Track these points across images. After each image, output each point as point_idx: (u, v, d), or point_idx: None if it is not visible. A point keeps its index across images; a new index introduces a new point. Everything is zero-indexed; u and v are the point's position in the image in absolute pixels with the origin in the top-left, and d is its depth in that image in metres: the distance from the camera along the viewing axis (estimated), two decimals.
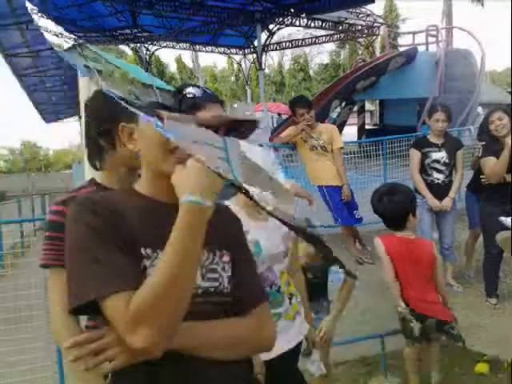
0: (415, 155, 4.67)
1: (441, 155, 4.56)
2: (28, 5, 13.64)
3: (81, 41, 24.27)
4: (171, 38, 20.30)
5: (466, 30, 14.31)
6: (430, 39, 14.67)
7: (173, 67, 47.60)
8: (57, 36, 20.86)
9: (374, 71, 13.73)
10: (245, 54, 22.06)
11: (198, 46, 23.73)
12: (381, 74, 13.85)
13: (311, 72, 38.87)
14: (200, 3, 15.73)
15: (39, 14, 18.48)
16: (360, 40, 20.10)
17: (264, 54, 18.91)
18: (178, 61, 44.35)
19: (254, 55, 19.96)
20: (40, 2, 14.78)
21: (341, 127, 14.16)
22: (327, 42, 20.83)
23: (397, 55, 14.11)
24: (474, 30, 14.73)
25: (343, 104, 14.87)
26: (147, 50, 23.06)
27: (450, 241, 4.71)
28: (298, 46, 20.48)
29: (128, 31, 19.50)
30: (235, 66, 29.15)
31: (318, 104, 13.22)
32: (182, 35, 19.86)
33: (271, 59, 37.60)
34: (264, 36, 18.04)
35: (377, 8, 48.39)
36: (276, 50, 20.80)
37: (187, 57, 47.01)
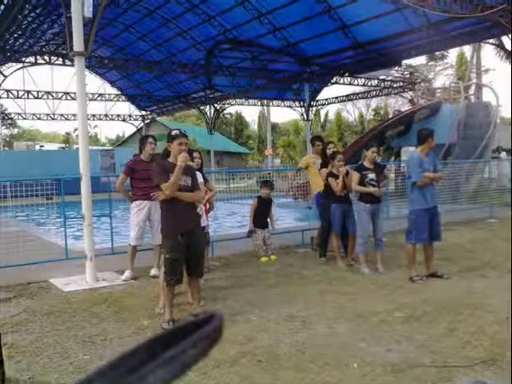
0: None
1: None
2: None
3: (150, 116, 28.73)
4: (242, 95, 23.59)
5: (486, 85, 16.33)
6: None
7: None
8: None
9: (400, 122, 16.15)
10: (310, 106, 24.34)
11: (266, 101, 26.78)
12: (409, 124, 16.15)
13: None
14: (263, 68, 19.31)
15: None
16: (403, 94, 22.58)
17: (313, 107, 21.75)
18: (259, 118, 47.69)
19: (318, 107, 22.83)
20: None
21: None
22: (375, 96, 23.51)
23: (422, 108, 16.44)
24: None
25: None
26: (216, 110, 26.31)
27: (381, 234, 6.82)
28: (342, 101, 23.49)
29: (202, 93, 23.12)
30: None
31: (353, 149, 15.82)
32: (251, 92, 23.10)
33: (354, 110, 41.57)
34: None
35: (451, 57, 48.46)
36: (323, 104, 24.10)
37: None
